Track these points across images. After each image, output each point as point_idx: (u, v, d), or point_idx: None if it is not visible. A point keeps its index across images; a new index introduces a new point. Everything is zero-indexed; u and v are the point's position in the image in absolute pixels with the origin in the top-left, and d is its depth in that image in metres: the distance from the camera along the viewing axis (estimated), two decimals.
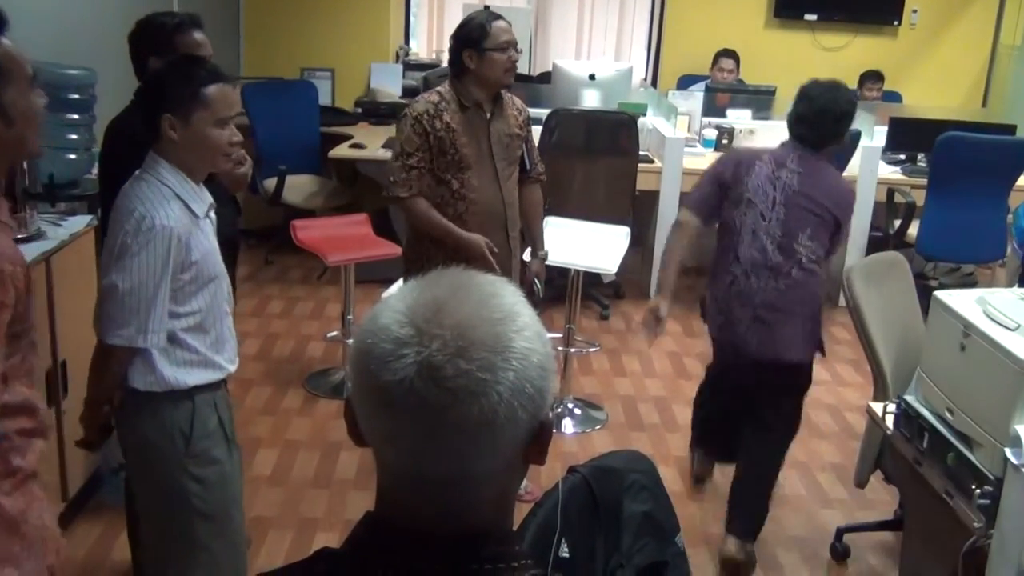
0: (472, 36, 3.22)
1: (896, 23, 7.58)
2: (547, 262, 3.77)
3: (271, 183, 5.83)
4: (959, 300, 2.54)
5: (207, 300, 2.29)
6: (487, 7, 6.86)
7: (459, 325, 0.89)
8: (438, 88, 3.35)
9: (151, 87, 2.26)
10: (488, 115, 3.30)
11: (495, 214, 3.36)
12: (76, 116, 3.57)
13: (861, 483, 3.32)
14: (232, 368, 2.40)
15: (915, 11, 7.57)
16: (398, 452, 0.93)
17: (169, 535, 2.38)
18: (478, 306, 0.92)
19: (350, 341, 4.54)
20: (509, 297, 0.95)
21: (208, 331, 2.32)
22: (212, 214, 2.35)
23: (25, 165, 3.11)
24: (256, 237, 6.23)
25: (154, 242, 2.13)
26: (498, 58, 3.20)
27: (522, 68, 6.91)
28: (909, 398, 2.69)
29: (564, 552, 1.65)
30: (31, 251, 2.89)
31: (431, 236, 3.33)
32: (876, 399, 3.14)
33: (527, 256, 3.79)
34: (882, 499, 3.73)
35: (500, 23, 3.23)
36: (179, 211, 2.18)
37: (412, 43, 7.71)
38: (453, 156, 3.24)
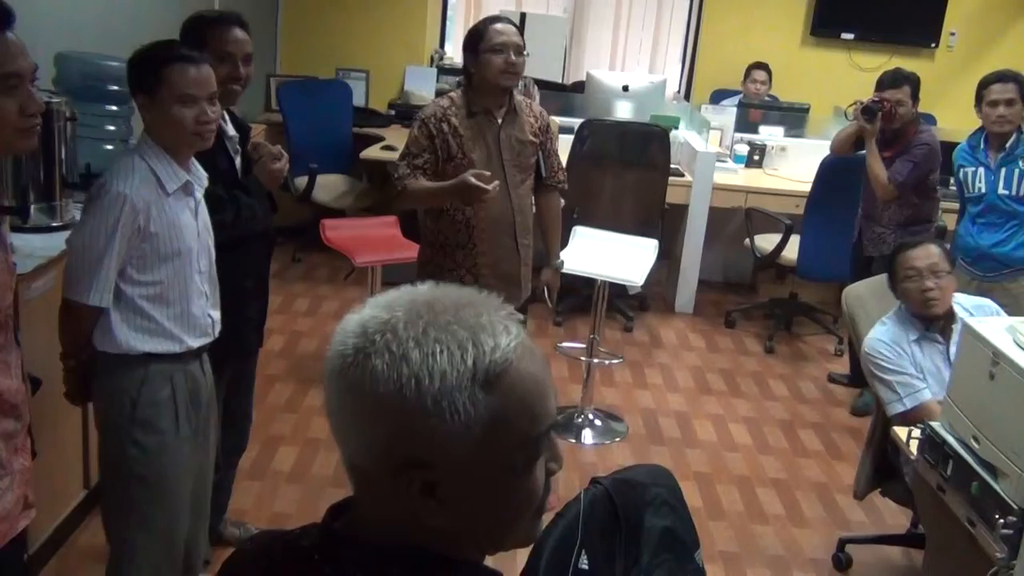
0: (471, 40, 3.25)
1: (934, 45, 7.53)
2: (573, 271, 3.76)
3: (302, 181, 5.86)
4: (989, 328, 2.51)
5: (169, 273, 2.35)
6: (524, 13, 6.91)
7: (378, 319, 0.94)
8: (450, 93, 3.37)
9: (127, 69, 2.37)
10: (499, 120, 3.30)
11: (504, 220, 3.35)
12: (115, 107, 3.61)
13: (859, 495, 3.44)
14: (195, 344, 2.45)
15: (953, 33, 7.52)
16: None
17: (110, 492, 2.50)
18: (405, 320, 0.93)
19: None
20: (437, 335, 0.92)
21: (171, 304, 2.38)
22: (196, 194, 2.42)
23: (63, 155, 3.14)
24: (284, 234, 6.25)
25: (106, 207, 2.24)
26: (493, 59, 3.19)
27: (555, 77, 6.93)
28: (934, 424, 2.67)
29: (584, 564, 1.65)
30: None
31: (440, 240, 3.35)
32: (876, 417, 3.17)
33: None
34: (895, 517, 3.72)
35: (498, 25, 3.23)
36: (142, 183, 2.27)
37: (447, 47, 7.73)
38: (461, 160, 3.24)
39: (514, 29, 3.26)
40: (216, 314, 2.54)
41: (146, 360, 2.37)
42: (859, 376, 4.90)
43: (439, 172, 3.26)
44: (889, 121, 4.56)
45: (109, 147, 3.58)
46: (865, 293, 3.54)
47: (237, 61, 2.75)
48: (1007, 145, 4.11)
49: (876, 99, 4.56)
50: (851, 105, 4.77)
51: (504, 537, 1.00)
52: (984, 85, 4.15)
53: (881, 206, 4.64)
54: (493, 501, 0.96)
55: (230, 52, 2.73)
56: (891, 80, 4.57)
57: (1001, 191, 4.15)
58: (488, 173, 3.10)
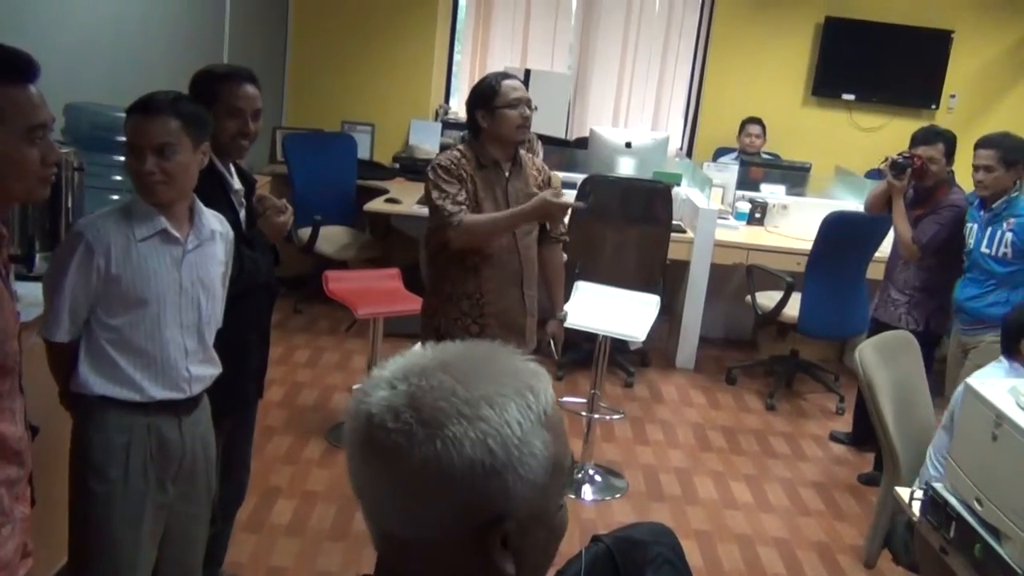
0: (483, 95, 3.28)
1: (934, 107, 7.61)
2: (575, 326, 3.77)
3: (305, 232, 5.89)
4: (992, 390, 2.51)
5: (133, 319, 2.34)
6: (528, 70, 6.98)
7: (419, 386, 0.92)
8: (458, 146, 3.41)
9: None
10: (507, 173, 3.34)
11: (511, 271, 3.38)
12: (122, 158, 3.62)
13: (870, 563, 3.38)
14: (158, 396, 2.40)
15: (953, 96, 7.60)
16: (357, 497, 0.97)
17: (70, 535, 2.47)
18: (456, 381, 0.92)
19: None
20: (504, 392, 0.92)
21: (136, 352, 2.36)
22: (189, 245, 2.39)
23: (69, 204, 3.16)
24: (287, 285, 6.27)
25: (65, 244, 2.33)
26: (509, 114, 3.24)
27: (559, 132, 6.98)
28: (937, 485, 2.66)
29: None
30: None
31: (446, 289, 3.35)
32: (887, 480, 3.14)
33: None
34: None
35: (510, 81, 3.28)
36: (111, 225, 2.30)
37: (452, 102, 7.81)
38: (473, 209, 3.27)
39: (523, 85, 3.32)
40: (203, 371, 2.50)
41: (104, 404, 2.36)
42: (862, 435, 4.89)
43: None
44: (921, 179, 4.44)
45: (115, 197, 3.59)
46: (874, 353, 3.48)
47: (247, 117, 2.77)
48: (994, 206, 4.16)
49: (907, 155, 4.46)
50: (883, 161, 4.64)
51: (545, 571, 1.01)
52: (973, 148, 4.22)
53: (899, 268, 4.58)
54: (548, 538, 0.98)
55: (241, 108, 2.76)
56: (924, 137, 4.47)
57: (983, 249, 4.19)
58: (561, 190, 3.12)
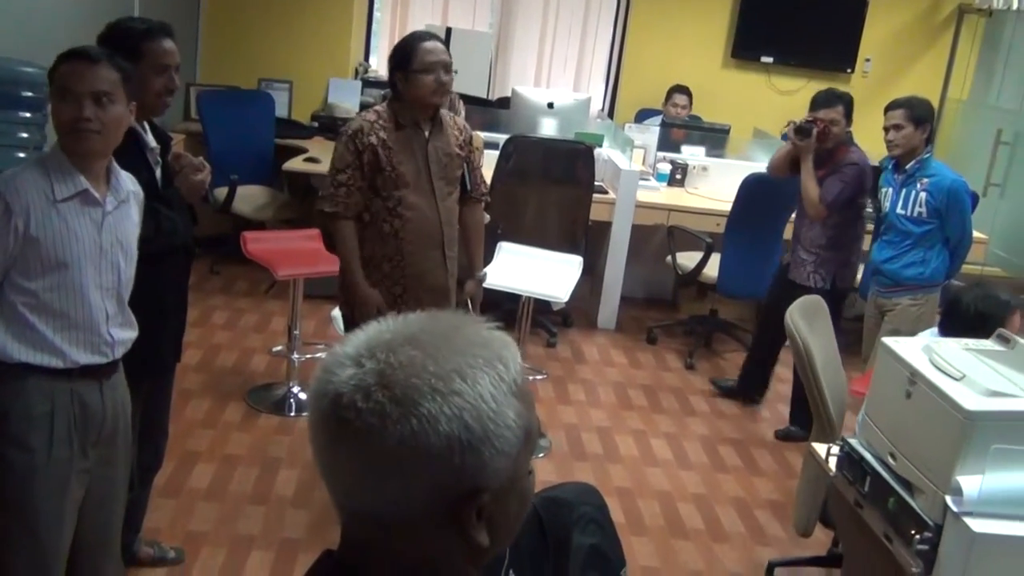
0: (400, 58, 3.24)
1: (849, 71, 7.73)
2: (499, 287, 3.77)
3: (222, 192, 5.76)
4: (907, 348, 2.57)
5: (53, 282, 2.27)
6: (449, 29, 6.89)
7: (387, 363, 0.89)
8: (376, 107, 3.38)
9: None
10: (426, 134, 3.31)
11: (431, 232, 3.36)
12: (28, 114, 3.50)
13: (807, 532, 3.34)
14: (81, 360, 2.34)
15: (868, 60, 7.73)
16: (326, 483, 0.94)
17: None
18: (426, 355, 0.89)
19: (295, 356, 4.49)
20: (476, 364, 0.90)
21: (56, 315, 2.29)
22: (107, 206, 2.33)
23: None
24: (203, 246, 6.12)
25: None
26: (425, 79, 3.21)
27: (480, 92, 6.93)
28: (852, 441, 2.73)
29: None
30: None
31: (366, 252, 3.37)
32: (818, 439, 3.18)
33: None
34: (816, 538, 3.77)
35: (427, 44, 3.23)
36: (28, 185, 2.21)
37: (372, 60, 7.69)
38: (390, 173, 3.25)
39: (443, 47, 3.26)
40: (123, 334, 2.45)
41: (24, 371, 2.28)
42: (746, 389, 5.10)
43: (369, 186, 3.27)
44: (823, 141, 4.54)
45: (21, 155, 3.47)
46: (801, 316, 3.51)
47: (172, 73, 2.70)
48: (908, 167, 4.26)
49: (810, 119, 4.56)
50: (786, 126, 4.77)
51: (514, 536, 1.00)
52: (884, 111, 4.32)
53: (805, 227, 4.67)
54: (520, 505, 0.97)
55: (167, 64, 2.69)
56: (824, 100, 4.58)
57: (899, 210, 4.30)
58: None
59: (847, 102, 4.57)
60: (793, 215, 4.93)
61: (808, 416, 4.16)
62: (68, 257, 2.27)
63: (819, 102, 4.60)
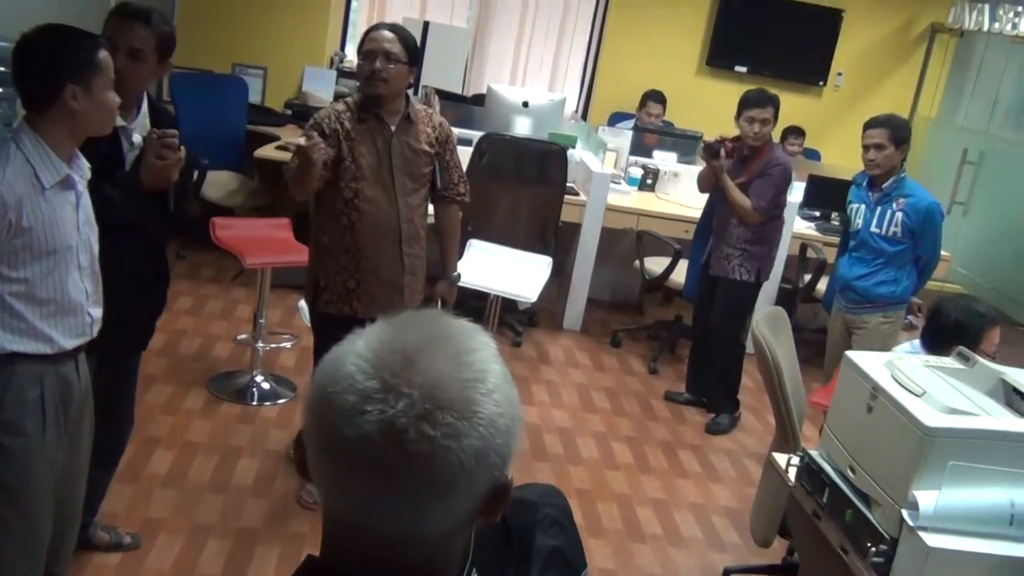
0: (359, 45, 3.29)
1: (822, 83, 7.82)
2: (468, 285, 3.77)
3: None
4: (869, 362, 2.61)
5: (43, 270, 2.26)
6: (427, 23, 6.88)
7: (428, 384, 0.85)
8: (347, 98, 3.38)
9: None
10: (392, 127, 3.30)
11: (388, 227, 3.34)
12: (1, 89, 3.46)
13: (766, 542, 3.33)
14: (68, 345, 2.36)
15: (840, 74, 7.81)
16: (349, 506, 0.89)
17: None
18: (450, 364, 0.87)
19: (259, 344, 4.47)
20: (482, 352, 0.90)
21: (43, 302, 2.28)
22: (79, 186, 2.32)
23: None
24: (178, 234, 6.07)
25: None
26: (361, 66, 3.24)
27: (455, 88, 6.93)
28: (813, 452, 2.76)
29: None
30: None
31: (323, 241, 3.35)
32: (780, 450, 3.21)
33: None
34: (771, 546, 3.81)
35: (375, 32, 3.25)
36: (16, 176, 2.18)
37: (348, 50, 7.66)
38: (349, 164, 3.25)
39: (391, 36, 3.22)
40: (97, 312, 2.45)
41: (13, 360, 2.27)
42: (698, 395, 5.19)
43: (333, 169, 3.25)
44: (732, 157, 4.79)
45: None
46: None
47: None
48: (884, 186, 4.31)
49: (719, 139, 4.78)
50: (701, 147, 4.99)
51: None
52: (863, 129, 4.35)
53: (731, 226, 4.82)
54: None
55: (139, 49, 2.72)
56: (756, 99, 4.73)
57: (873, 229, 4.34)
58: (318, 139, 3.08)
59: (776, 104, 4.76)
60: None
61: (703, 384, 4.55)
62: (57, 243, 2.26)
63: (750, 101, 4.76)
